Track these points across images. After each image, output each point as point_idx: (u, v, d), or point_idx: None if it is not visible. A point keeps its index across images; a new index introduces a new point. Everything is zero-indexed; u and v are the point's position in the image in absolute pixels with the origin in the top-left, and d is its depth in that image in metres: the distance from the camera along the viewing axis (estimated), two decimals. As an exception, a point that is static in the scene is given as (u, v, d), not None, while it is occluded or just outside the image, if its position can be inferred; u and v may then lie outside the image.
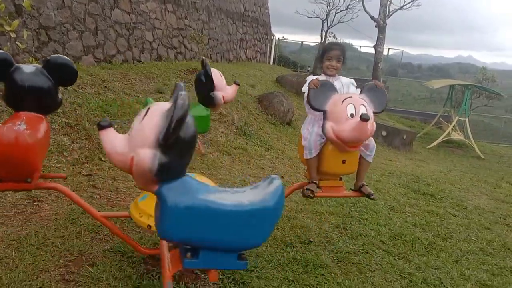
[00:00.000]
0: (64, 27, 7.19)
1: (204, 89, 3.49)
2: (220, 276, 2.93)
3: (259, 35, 19.00)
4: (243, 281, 2.91)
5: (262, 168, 6.31)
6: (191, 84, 8.70)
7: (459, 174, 9.06)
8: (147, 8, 9.73)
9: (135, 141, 1.63)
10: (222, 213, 1.70)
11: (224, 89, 3.61)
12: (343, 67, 3.34)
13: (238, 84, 3.87)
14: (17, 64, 2.36)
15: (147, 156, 1.57)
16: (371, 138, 3.10)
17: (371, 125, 2.80)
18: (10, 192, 3.61)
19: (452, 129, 13.45)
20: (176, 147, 1.61)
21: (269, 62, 20.74)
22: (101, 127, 1.74)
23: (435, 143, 13.26)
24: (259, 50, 19.03)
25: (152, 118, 1.62)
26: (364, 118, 2.62)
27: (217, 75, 3.55)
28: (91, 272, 2.72)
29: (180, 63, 10.62)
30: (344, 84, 3.25)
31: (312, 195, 3.13)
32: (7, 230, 3.11)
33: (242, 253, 1.86)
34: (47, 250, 2.90)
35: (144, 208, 2.49)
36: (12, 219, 3.28)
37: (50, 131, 2.92)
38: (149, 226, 2.42)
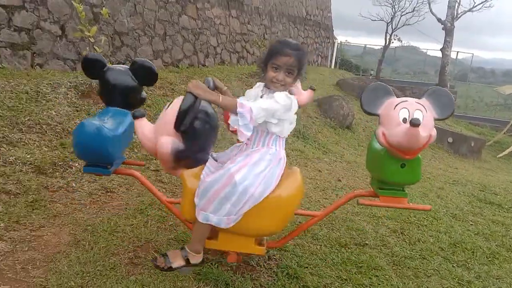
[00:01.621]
0: (136, 32, 7.69)
1: None
2: (275, 269, 3.05)
3: (321, 39, 18.96)
4: (296, 275, 3.01)
5: (320, 170, 6.35)
6: (251, 87, 8.93)
7: (531, 184, 8.51)
8: (212, 14, 10.11)
9: None
10: None
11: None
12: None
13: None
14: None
15: None
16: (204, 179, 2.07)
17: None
18: (86, 182, 3.98)
19: (526, 137, 12.65)
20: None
21: (331, 66, 20.61)
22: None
23: (506, 151, 12.52)
24: (320, 53, 18.99)
25: None
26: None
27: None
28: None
29: (242, 67, 10.91)
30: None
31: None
32: (84, 217, 3.44)
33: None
34: (118, 236, 3.19)
35: None
36: (88, 207, 3.61)
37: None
38: None
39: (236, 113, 1.91)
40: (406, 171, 2.64)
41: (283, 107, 2.02)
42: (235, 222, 2.01)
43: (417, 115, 2.52)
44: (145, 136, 2.11)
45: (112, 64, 2.89)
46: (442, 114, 2.62)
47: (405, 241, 4.03)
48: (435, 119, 2.62)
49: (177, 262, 2.11)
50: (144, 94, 3.02)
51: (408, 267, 3.51)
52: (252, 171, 1.96)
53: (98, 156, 2.56)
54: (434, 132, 2.54)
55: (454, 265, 3.69)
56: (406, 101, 2.61)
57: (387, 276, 3.28)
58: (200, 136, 2.03)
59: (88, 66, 2.75)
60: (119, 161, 2.86)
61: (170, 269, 2.10)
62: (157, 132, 2.06)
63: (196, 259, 2.14)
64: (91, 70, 2.77)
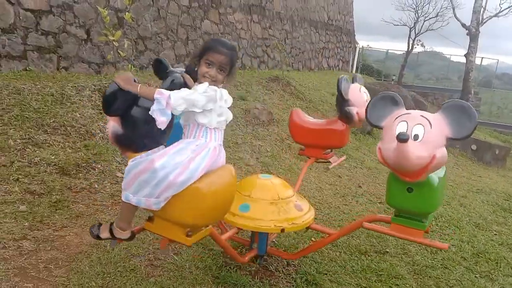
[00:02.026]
0: (159, 37, 7.80)
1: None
2: (293, 276, 3.04)
3: (342, 44, 18.87)
4: (315, 282, 2.99)
5: (339, 176, 6.30)
6: (272, 92, 8.96)
7: (559, 194, 8.25)
8: (234, 19, 10.18)
9: None
10: None
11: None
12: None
13: None
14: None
15: None
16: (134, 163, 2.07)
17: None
18: (109, 184, 4.04)
19: (553, 145, 12.27)
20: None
21: (352, 71, 20.47)
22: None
23: (532, 160, 12.18)
24: (341, 58, 18.89)
25: None
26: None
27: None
28: (176, 260, 2.99)
29: (262, 71, 10.93)
30: None
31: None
32: (105, 218, 3.49)
33: None
34: (139, 238, 3.22)
35: (261, 217, 2.69)
36: (109, 208, 3.67)
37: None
38: (283, 229, 2.66)
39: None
40: (414, 197, 2.33)
41: (205, 98, 2.07)
42: (156, 206, 2.04)
43: (417, 130, 2.19)
44: (108, 122, 2.25)
45: (135, 68, 3.00)
46: (458, 133, 2.19)
47: (426, 250, 3.96)
48: (450, 139, 2.21)
49: (104, 234, 2.24)
50: None
51: (430, 277, 3.45)
52: (173, 159, 2.01)
53: None
54: (440, 153, 2.16)
55: (477, 275, 3.60)
56: (409, 113, 2.31)
57: (407, 285, 3.24)
58: (139, 123, 2.10)
59: (156, 67, 2.92)
60: None
61: (98, 237, 2.24)
62: (111, 118, 2.21)
63: (121, 235, 2.23)
64: (157, 72, 2.95)
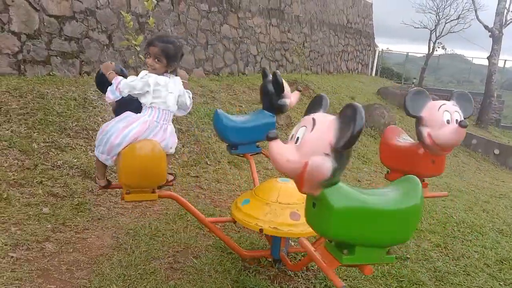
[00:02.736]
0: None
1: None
2: (312, 281, 3.02)
3: (362, 47, 18.73)
4: (334, 287, 2.96)
5: (359, 180, 6.25)
6: (291, 95, 8.95)
7: None
8: (253, 23, 10.21)
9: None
10: None
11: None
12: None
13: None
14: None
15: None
16: None
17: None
18: (129, 187, 4.09)
19: None
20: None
21: (371, 74, 20.30)
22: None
23: (559, 165, 11.85)
24: (360, 61, 18.75)
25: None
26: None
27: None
28: (195, 263, 3.01)
29: (281, 75, 10.92)
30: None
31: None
32: (126, 220, 3.54)
33: None
34: (159, 240, 3.26)
35: (251, 213, 2.67)
36: (130, 211, 3.72)
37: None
38: (261, 229, 2.58)
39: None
40: (316, 214, 2.01)
41: (141, 83, 2.51)
42: (108, 162, 2.57)
43: (300, 132, 1.94)
44: None
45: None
46: (337, 142, 1.82)
47: (448, 256, 3.89)
48: (333, 147, 1.84)
49: (94, 178, 2.88)
50: (282, 101, 3.45)
51: (451, 283, 3.38)
52: (116, 125, 2.51)
53: (220, 136, 3.44)
54: (314, 161, 1.84)
55: (501, 283, 3.52)
56: (309, 115, 2.02)
57: (429, 292, 3.18)
58: (121, 99, 2.57)
59: (262, 75, 3.58)
60: (247, 149, 3.48)
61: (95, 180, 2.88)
62: None
63: (98, 182, 2.79)
64: (263, 79, 3.57)
